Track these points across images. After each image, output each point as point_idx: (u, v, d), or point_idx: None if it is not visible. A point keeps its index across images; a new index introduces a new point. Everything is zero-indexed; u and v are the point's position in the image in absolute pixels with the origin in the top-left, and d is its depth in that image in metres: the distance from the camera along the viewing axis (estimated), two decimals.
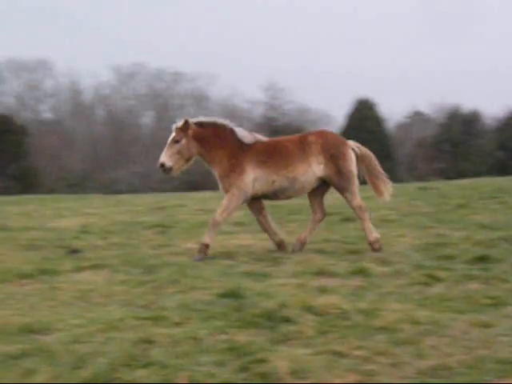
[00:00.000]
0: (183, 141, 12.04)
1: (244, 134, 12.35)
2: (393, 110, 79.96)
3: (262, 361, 5.85)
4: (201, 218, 18.14)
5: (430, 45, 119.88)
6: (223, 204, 12.06)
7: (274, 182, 12.18)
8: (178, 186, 50.33)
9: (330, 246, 12.65)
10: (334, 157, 12.21)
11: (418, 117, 69.09)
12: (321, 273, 9.99)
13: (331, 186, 12.42)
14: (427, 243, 12.42)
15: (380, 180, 12.65)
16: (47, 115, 76.67)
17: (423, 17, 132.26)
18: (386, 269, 10.17)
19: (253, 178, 12.09)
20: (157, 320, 7.33)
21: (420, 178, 48.67)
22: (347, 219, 16.21)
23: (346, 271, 10.04)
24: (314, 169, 12.19)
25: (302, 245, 12.35)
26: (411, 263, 10.45)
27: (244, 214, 17.44)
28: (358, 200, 12.26)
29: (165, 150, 12.04)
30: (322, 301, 7.79)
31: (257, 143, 12.37)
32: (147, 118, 76.93)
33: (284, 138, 12.98)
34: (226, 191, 12.15)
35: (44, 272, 10.45)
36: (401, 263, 10.51)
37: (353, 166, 12.35)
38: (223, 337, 6.64)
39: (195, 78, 76.44)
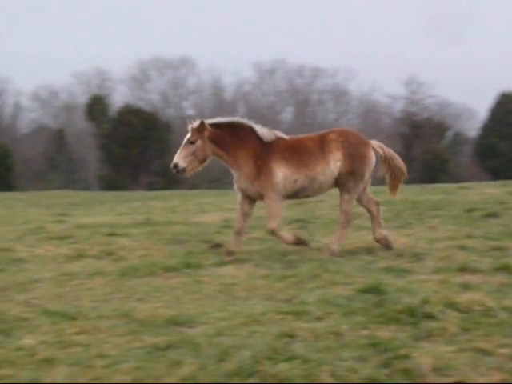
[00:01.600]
0: (198, 142, 11.85)
1: (264, 132, 12.16)
2: None
3: (405, 357, 5.82)
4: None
5: None
6: (270, 213, 11.91)
7: (296, 181, 11.97)
8: None
9: (473, 242, 12.35)
10: (353, 157, 11.91)
11: None
12: (463, 269, 9.80)
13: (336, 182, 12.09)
14: None
15: (400, 183, 12.46)
16: (190, 112, 78.36)
17: None
18: None
19: (282, 176, 11.88)
20: (298, 314, 7.39)
21: None
22: (490, 215, 15.81)
23: (490, 268, 9.81)
24: (332, 167, 11.91)
25: (387, 243, 12.01)
26: None
27: (385, 209, 17.32)
28: (350, 206, 11.99)
29: (179, 150, 11.87)
30: (465, 297, 7.66)
31: (278, 141, 12.17)
32: (287, 114, 77.44)
33: (305, 136, 12.67)
34: (258, 194, 11.97)
35: (188, 266, 10.70)
36: None
37: (368, 170, 12.03)
38: (365, 332, 6.63)
39: (335, 74, 76.37)
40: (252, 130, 12.12)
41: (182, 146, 11.86)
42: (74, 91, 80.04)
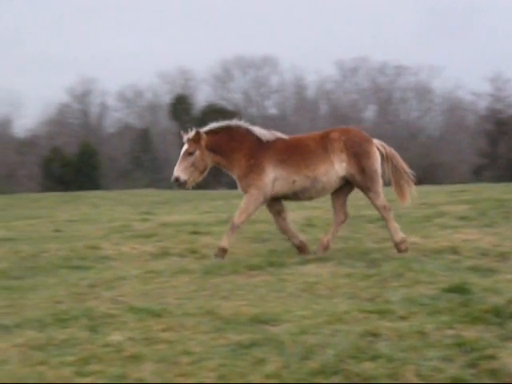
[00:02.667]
0: (197, 152, 11.71)
1: (262, 133, 11.98)
2: None
3: (491, 357, 5.74)
4: (424, 211, 17.87)
5: None
6: (242, 206, 11.80)
7: (294, 181, 11.76)
8: None
9: None
10: (358, 155, 11.71)
11: None
12: None
13: (354, 185, 11.95)
14: None
15: (404, 181, 12.16)
16: (272, 111, 78.57)
17: None
18: None
19: (273, 177, 11.70)
20: (382, 313, 7.35)
21: None
22: None
23: None
24: (337, 168, 11.71)
25: (324, 250, 11.93)
26: None
27: (470, 207, 17.06)
28: (381, 199, 11.81)
29: (178, 162, 11.71)
30: None
31: (277, 141, 11.97)
32: (369, 112, 76.90)
33: (305, 135, 12.48)
34: (245, 192, 11.85)
35: (271, 264, 10.74)
36: None
37: (377, 164, 11.86)
38: (450, 332, 6.56)
39: (418, 71, 75.48)
40: (249, 131, 11.99)
41: (180, 159, 11.72)
42: (158, 91, 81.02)
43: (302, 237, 12.29)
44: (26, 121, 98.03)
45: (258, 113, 75.84)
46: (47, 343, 6.59)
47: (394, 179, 12.20)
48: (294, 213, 20.46)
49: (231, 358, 5.97)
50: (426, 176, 53.22)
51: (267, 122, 71.12)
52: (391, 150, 12.20)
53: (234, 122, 12.07)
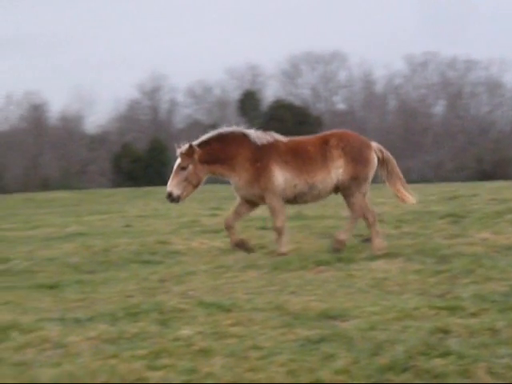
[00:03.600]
0: (190, 167, 11.55)
1: (258, 135, 11.86)
2: None
3: None
4: (494, 207, 17.62)
5: None
6: (273, 212, 11.77)
7: (296, 185, 11.73)
8: (470, 175, 49.30)
9: None
10: (355, 161, 11.70)
11: None
12: None
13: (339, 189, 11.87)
14: None
15: (401, 186, 12.14)
16: (340, 106, 78.19)
17: None
18: None
19: (283, 179, 11.65)
20: (452, 310, 7.28)
21: None
22: None
23: None
24: (333, 176, 11.70)
25: (342, 246, 11.83)
26: None
27: None
28: (363, 204, 11.76)
29: (171, 177, 11.57)
30: None
31: (277, 143, 11.88)
32: (439, 107, 75.87)
33: (305, 139, 12.36)
34: (259, 197, 11.78)
35: (340, 260, 10.72)
36: None
37: (371, 172, 11.85)
38: None
39: (489, 65, 74.21)
40: (245, 135, 11.88)
41: (173, 173, 11.61)
42: (226, 87, 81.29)
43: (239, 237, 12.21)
44: (97, 117, 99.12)
45: (325, 108, 75.60)
46: (119, 337, 6.69)
47: (391, 183, 12.23)
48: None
49: (300, 353, 5.97)
50: (497, 171, 52.46)
51: (335, 117, 70.97)
52: (388, 155, 12.21)
53: (226, 129, 11.96)
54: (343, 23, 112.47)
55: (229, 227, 12.03)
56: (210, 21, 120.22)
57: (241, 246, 12.04)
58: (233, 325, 6.99)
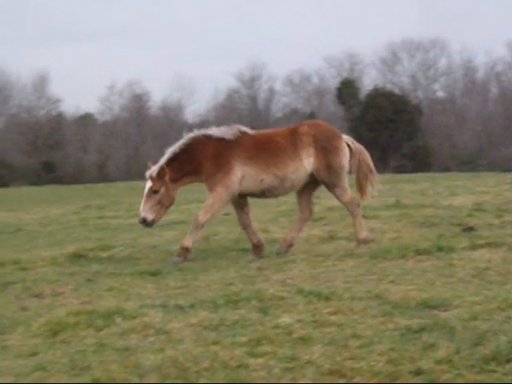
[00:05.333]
0: (162, 189, 11.22)
1: (222, 131, 11.46)
2: None
3: None
4: None
5: None
6: (207, 204, 11.35)
7: (262, 180, 11.33)
8: None
9: None
10: (325, 150, 11.37)
11: None
12: None
13: (319, 182, 11.61)
14: None
15: (368, 181, 11.91)
16: (440, 94, 77.09)
17: None
18: None
19: (240, 175, 11.23)
20: None
21: None
22: None
23: None
24: (305, 164, 11.34)
25: (288, 246, 11.61)
26: None
27: None
28: (348, 194, 11.56)
29: (143, 201, 11.24)
30: None
31: (244, 137, 11.47)
32: None
33: (274, 130, 11.98)
34: (211, 190, 11.35)
35: (440, 249, 10.57)
36: None
37: (345, 160, 11.54)
38: None
39: None
40: (206, 135, 11.50)
41: (144, 197, 11.29)
42: (325, 75, 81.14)
43: (260, 237, 11.94)
44: (198, 106, 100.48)
45: (424, 96, 74.71)
46: (220, 323, 6.78)
47: (358, 177, 12.02)
48: (463, 197, 20.08)
49: (401, 342, 5.94)
50: None
51: (434, 105, 69.97)
52: (361, 148, 12.00)
53: (187, 138, 11.53)
54: (443, 9, 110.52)
55: (246, 226, 11.83)
56: (308, 9, 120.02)
57: (259, 248, 11.72)
58: (332, 313, 6.99)
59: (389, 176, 42.97)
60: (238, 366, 5.47)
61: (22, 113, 75.60)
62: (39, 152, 73.23)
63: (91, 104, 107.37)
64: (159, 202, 11.23)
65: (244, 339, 6.13)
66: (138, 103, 77.74)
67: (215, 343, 6.08)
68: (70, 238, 11.06)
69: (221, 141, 11.42)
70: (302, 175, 11.51)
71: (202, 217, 11.28)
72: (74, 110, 77.27)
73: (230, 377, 5.20)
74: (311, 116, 72.64)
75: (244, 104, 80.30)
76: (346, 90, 68.66)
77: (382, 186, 12.50)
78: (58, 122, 77.37)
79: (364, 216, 14.84)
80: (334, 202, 19.40)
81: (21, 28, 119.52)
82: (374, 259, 10.17)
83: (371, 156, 12.14)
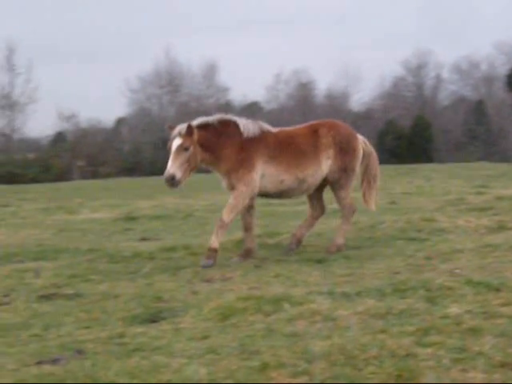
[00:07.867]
0: (191, 148, 10.56)
1: (247, 127, 10.90)
2: None
3: None
4: None
5: None
6: (231, 203, 10.78)
7: (282, 181, 10.93)
8: None
9: None
10: (343, 151, 11.04)
11: None
12: None
13: (328, 181, 11.17)
14: None
15: (373, 186, 11.62)
16: None
17: None
18: None
19: (261, 174, 10.76)
20: None
21: None
22: None
23: None
24: (323, 167, 10.99)
25: (298, 243, 11.29)
26: None
27: None
28: (349, 199, 11.20)
29: (171, 158, 10.49)
30: None
31: (267, 136, 10.99)
32: None
33: (295, 130, 11.37)
34: (232, 187, 10.81)
35: None
36: None
37: (358, 163, 11.23)
38: None
39: None
40: (237, 125, 11.01)
41: (173, 154, 10.60)
42: (494, 62, 78.73)
43: (256, 243, 11.39)
44: (363, 94, 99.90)
45: None
46: (387, 312, 6.76)
47: (365, 180, 11.74)
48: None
49: None
50: None
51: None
52: (372, 150, 11.74)
53: (221, 116, 11.18)
54: None
55: (247, 229, 11.32)
56: None
57: (249, 253, 11.22)
58: (503, 305, 6.82)
59: None
60: (406, 355, 5.44)
61: (192, 101, 77.48)
62: None
63: (258, 92, 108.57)
64: (188, 161, 10.66)
65: (412, 328, 6.09)
66: (303, 92, 78.18)
67: (382, 332, 6.08)
68: (237, 224, 11.26)
69: (245, 135, 11.00)
70: (319, 178, 11.33)
71: (226, 217, 10.88)
72: (241, 98, 78.24)
73: (399, 365, 5.18)
74: (480, 104, 70.84)
75: (410, 92, 79.12)
76: None
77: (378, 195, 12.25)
78: (226, 110, 78.67)
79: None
80: (504, 192, 18.94)
81: (188, 18, 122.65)
82: None
83: None
